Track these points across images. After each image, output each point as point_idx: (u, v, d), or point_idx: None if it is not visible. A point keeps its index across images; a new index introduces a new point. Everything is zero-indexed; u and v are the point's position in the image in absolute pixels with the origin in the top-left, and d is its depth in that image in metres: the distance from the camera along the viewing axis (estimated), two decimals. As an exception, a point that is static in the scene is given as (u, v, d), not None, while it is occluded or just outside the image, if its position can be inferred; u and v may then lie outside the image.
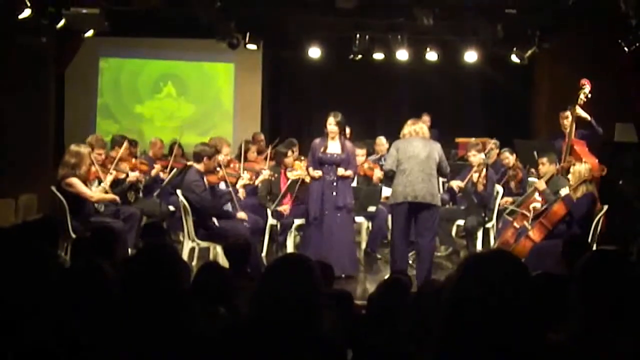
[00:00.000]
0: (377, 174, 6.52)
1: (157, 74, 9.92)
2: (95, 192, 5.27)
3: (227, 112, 9.97)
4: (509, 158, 6.74)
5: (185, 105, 9.95)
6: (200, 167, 5.28)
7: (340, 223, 5.46)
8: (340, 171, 5.45)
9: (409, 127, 5.12)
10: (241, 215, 5.48)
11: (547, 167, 5.61)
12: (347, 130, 6.87)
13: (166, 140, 7.53)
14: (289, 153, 6.34)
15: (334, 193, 5.48)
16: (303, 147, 6.55)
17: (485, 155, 6.35)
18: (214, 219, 5.36)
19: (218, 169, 5.66)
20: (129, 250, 5.14)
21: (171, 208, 6.35)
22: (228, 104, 9.98)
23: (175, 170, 6.24)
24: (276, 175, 6.20)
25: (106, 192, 5.41)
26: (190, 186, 5.17)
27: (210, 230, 5.26)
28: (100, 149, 5.81)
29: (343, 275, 5.39)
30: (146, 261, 1.89)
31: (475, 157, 6.26)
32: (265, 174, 6.10)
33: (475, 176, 6.16)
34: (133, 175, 5.89)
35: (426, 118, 8.04)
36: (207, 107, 9.98)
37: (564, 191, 5.14)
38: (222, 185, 5.78)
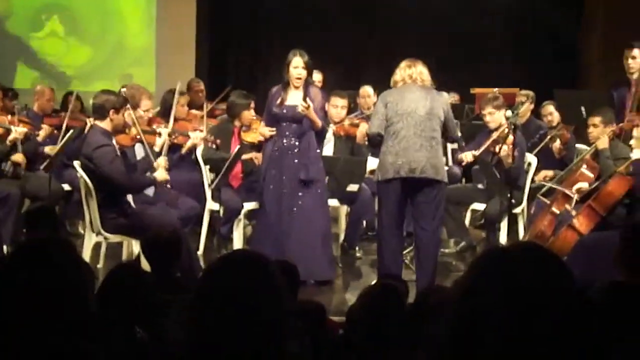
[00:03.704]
0: (363, 128, 6.39)
1: (37, 2, 9.71)
2: None
3: (145, 51, 9.85)
4: (554, 114, 6.87)
5: (78, 49, 9.81)
6: (104, 124, 5.22)
7: (308, 206, 5.49)
8: (302, 106, 5.35)
9: (403, 72, 5.16)
10: (160, 174, 5.38)
11: (599, 130, 5.67)
12: (318, 76, 6.82)
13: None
14: (252, 104, 6.31)
15: (295, 161, 5.48)
16: (260, 103, 6.47)
17: (513, 112, 6.35)
18: (130, 198, 5.31)
19: (131, 126, 5.61)
20: (5, 248, 5.11)
21: (66, 187, 6.33)
22: (147, 40, 9.84)
23: (71, 131, 6.19)
24: (218, 140, 6.16)
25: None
26: (94, 153, 5.11)
27: (123, 216, 5.22)
28: None
29: (313, 281, 5.45)
30: (29, 264, 1.87)
31: (494, 116, 6.19)
32: (197, 136, 6.02)
33: (497, 147, 6.05)
34: (19, 132, 5.75)
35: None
36: (112, 49, 9.85)
37: (637, 153, 5.15)
38: (139, 149, 5.73)
